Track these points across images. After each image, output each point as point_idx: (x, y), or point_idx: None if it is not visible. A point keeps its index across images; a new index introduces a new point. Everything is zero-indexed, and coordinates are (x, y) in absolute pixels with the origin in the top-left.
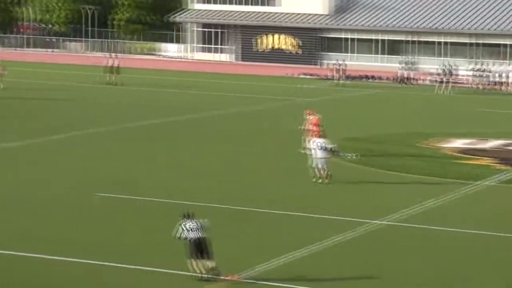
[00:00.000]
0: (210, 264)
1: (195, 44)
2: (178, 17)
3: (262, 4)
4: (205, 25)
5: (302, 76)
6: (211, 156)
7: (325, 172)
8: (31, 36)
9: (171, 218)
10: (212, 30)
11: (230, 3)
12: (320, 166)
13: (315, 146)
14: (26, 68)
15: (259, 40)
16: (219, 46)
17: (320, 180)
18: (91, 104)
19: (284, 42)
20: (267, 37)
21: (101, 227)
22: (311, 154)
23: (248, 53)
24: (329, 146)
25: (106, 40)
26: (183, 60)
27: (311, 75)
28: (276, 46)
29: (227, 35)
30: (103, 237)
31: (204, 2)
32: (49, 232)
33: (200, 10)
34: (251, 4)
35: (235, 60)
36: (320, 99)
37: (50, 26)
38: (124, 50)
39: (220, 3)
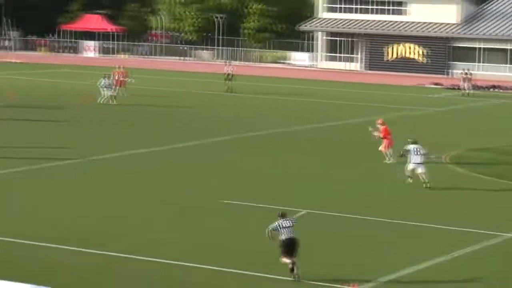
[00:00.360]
0: (289, 261)
1: (323, 53)
2: (306, 26)
3: (391, 13)
4: (333, 34)
5: (430, 85)
6: (333, 165)
7: (426, 176)
8: (162, 44)
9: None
10: (340, 39)
11: (359, 12)
12: (420, 171)
13: (412, 152)
14: (156, 76)
15: (387, 49)
16: (347, 55)
17: (425, 185)
18: (216, 112)
19: (412, 51)
20: (395, 46)
21: (232, 234)
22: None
23: (376, 62)
24: (424, 151)
25: (235, 48)
26: (311, 68)
27: (439, 84)
28: (403, 55)
29: (355, 44)
30: (231, 243)
31: (333, 11)
32: (185, 238)
33: (329, 19)
34: (380, 13)
35: (363, 69)
36: (448, 109)
37: (181, 34)
38: (252, 59)
39: (348, 12)
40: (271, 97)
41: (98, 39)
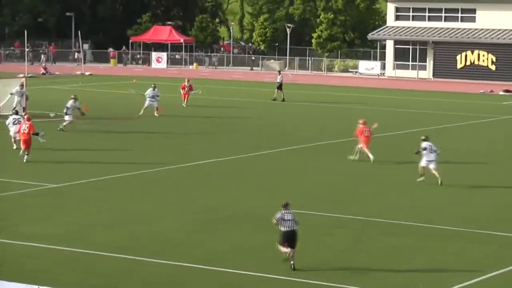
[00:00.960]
0: (289, 252)
1: (392, 61)
2: (376, 35)
3: (460, 20)
4: (403, 42)
5: (501, 93)
6: (406, 175)
7: (438, 172)
8: (231, 55)
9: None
10: (410, 47)
11: (429, 20)
12: (433, 167)
13: (428, 149)
14: (226, 86)
15: (455, 57)
16: (417, 63)
17: (439, 181)
18: (284, 121)
19: (482, 58)
20: (465, 53)
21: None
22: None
23: (446, 70)
24: (436, 148)
25: (304, 58)
26: (380, 77)
27: (510, 91)
28: (473, 63)
29: (425, 52)
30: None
31: (403, 19)
32: (264, 248)
33: (398, 27)
34: (449, 21)
35: (432, 77)
36: None
37: (250, 44)
38: (322, 68)
39: (418, 20)
40: (340, 106)
41: (168, 51)
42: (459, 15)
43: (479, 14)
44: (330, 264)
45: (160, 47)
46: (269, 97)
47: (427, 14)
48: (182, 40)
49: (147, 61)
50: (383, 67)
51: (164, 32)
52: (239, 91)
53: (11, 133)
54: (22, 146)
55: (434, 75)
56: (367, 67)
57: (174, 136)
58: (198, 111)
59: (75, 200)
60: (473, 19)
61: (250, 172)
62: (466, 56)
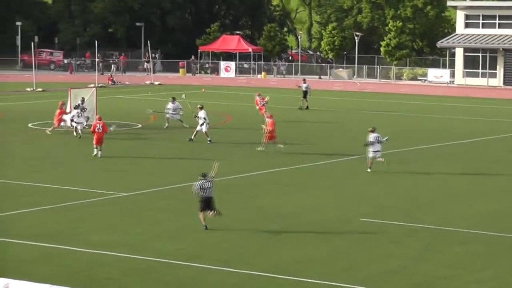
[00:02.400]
0: (210, 213)
1: (462, 69)
2: (446, 42)
3: None
4: (473, 50)
5: None
6: (467, 182)
7: (381, 157)
8: (299, 63)
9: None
10: (480, 54)
11: (498, 27)
12: (378, 156)
13: (375, 141)
14: (294, 95)
15: None
16: (486, 71)
17: (386, 164)
18: (351, 130)
19: None
20: None
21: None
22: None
23: None
24: (382, 139)
25: (372, 66)
26: (449, 85)
27: None
28: None
29: (495, 59)
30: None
31: (472, 27)
32: (329, 258)
33: (468, 34)
34: None
35: (503, 84)
36: None
37: (318, 53)
38: (390, 76)
39: (488, 28)
40: (409, 115)
41: (237, 60)
42: None
43: None
44: (398, 274)
45: (228, 56)
46: (337, 106)
47: (497, 21)
48: (250, 50)
49: (215, 70)
50: (453, 75)
51: (233, 42)
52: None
53: (77, 125)
54: (96, 144)
55: (504, 83)
56: (436, 75)
57: (241, 145)
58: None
59: (143, 209)
60: None
61: (316, 181)
62: None
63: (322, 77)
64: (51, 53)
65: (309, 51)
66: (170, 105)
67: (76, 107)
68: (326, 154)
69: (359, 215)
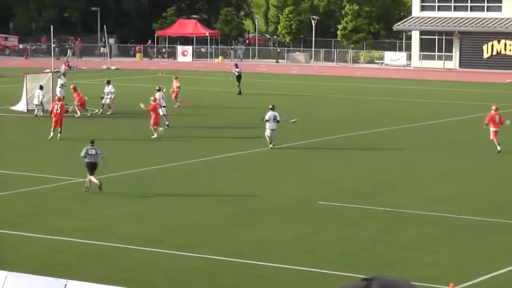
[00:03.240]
0: (94, 179)
1: (418, 52)
2: (402, 25)
3: (486, 10)
4: (429, 33)
5: None
6: (428, 164)
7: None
8: (257, 47)
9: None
10: (436, 37)
11: (454, 10)
12: (273, 134)
13: (271, 119)
14: (252, 79)
15: (482, 47)
16: (443, 54)
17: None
18: (312, 114)
19: (507, 47)
20: (491, 43)
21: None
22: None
23: (472, 60)
24: (279, 118)
25: (330, 49)
26: (406, 68)
27: None
28: (499, 52)
29: (451, 42)
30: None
31: (428, 10)
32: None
33: (424, 17)
34: (475, 11)
35: (459, 67)
36: None
37: (275, 37)
38: (347, 59)
39: (444, 10)
40: (366, 98)
41: (194, 44)
42: (485, 4)
43: (505, 3)
44: (358, 256)
45: (185, 40)
46: (295, 89)
47: (452, 4)
48: (207, 34)
49: (172, 54)
50: (409, 58)
51: (189, 26)
52: (265, 83)
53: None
54: (54, 125)
55: (460, 65)
56: (393, 58)
57: (197, 129)
58: (219, 103)
59: (103, 194)
60: (499, 9)
61: (274, 165)
62: (492, 45)
63: (279, 61)
64: (6, 38)
65: (266, 35)
66: (105, 89)
67: (40, 88)
68: (284, 138)
69: (317, 198)
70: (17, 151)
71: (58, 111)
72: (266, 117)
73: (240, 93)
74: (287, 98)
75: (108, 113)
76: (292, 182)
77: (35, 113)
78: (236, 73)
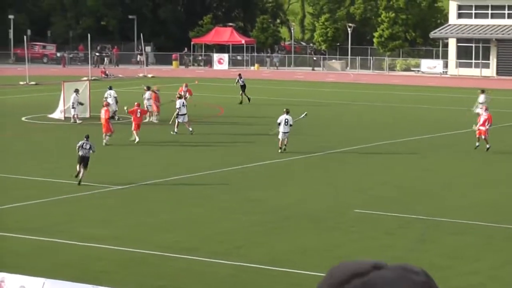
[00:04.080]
0: (82, 171)
1: (455, 60)
2: (438, 33)
3: None
4: (466, 40)
5: None
6: (463, 173)
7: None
8: (292, 55)
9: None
10: (473, 45)
11: (492, 17)
12: (286, 139)
13: (283, 123)
14: (287, 87)
15: None
16: (480, 61)
17: (284, 148)
18: (347, 122)
19: None
20: None
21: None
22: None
23: (509, 67)
24: (291, 122)
25: (366, 57)
26: (443, 76)
27: None
28: None
29: (489, 49)
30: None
31: (465, 17)
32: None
33: (461, 25)
34: (511, 18)
35: (496, 74)
36: None
37: (311, 45)
38: (384, 67)
39: (481, 18)
40: (402, 106)
41: (230, 52)
42: None
43: None
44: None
45: (221, 48)
46: (330, 97)
47: (490, 11)
48: (243, 41)
49: (208, 62)
50: (446, 65)
51: (226, 34)
52: (300, 91)
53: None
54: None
55: (497, 73)
56: (430, 65)
57: (230, 136)
58: (258, 112)
59: (138, 202)
60: None
61: (308, 173)
62: None
63: (315, 68)
64: (44, 47)
65: (302, 43)
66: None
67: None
68: (319, 146)
69: (353, 206)
70: (54, 159)
71: (139, 115)
72: (278, 120)
73: (241, 102)
74: (323, 106)
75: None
76: (327, 190)
77: (74, 113)
78: (241, 83)
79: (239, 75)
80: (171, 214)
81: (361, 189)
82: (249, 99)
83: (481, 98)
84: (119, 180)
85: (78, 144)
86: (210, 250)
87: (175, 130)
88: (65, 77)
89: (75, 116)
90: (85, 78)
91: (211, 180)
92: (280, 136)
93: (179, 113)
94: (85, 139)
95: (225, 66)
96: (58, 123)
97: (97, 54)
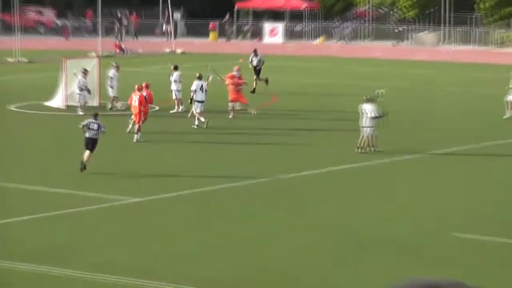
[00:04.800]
0: (87, 153)
1: None
2: None
3: None
4: None
5: None
6: None
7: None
8: (369, 25)
9: None
10: None
11: None
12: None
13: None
14: (363, 67)
15: None
16: None
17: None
18: (443, 115)
19: None
20: None
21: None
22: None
23: None
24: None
25: (468, 28)
26: None
27: None
28: None
29: None
30: None
31: None
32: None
33: None
34: None
35: None
36: None
37: (394, 11)
38: (492, 41)
39: None
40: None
41: (285, 20)
42: None
43: None
44: None
45: (275, 15)
46: (419, 81)
47: None
48: (303, 7)
49: (257, 34)
50: None
51: None
52: (379, 73)
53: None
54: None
55: None
56: None
57: (291, 134)
58: (323, 101)
59: (158, 220)
60: None
61: (389, 183)
62: None
63: (399, 43)
64: (40, 12)
65: (382, 9)
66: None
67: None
68: (406, 147)
69: (450, 229)
70: (51, 161)
71: (136, 103)
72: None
73: (254, 91)
74: (409, 93)
75: (179, 110)
76: (414, 206)
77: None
78: (255, 63)
79: (254, 50)
80: (205, 236)
81: (459, 206)
82: (267, 82)
83: None
84: (136, 189)
85: (83, 123)
86: (253, 286)
87: (196, 123)
88: (67, 52)
89: (82, 104)
90: (93, 54)
91: (257, 191)
92: (364, 132)
93: (195, 99)
94: (92, 117)
95: (279, 38)
96: (58, 114)
97: (116, 21)
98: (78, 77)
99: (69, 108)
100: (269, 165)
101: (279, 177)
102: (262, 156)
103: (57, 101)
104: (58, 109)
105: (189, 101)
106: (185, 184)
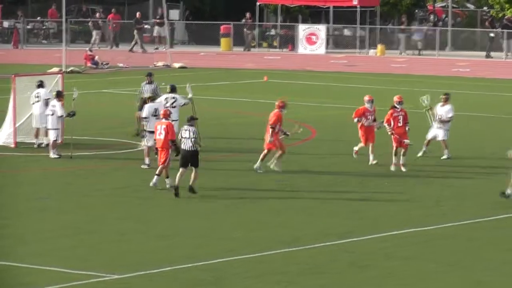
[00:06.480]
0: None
1: None
2: None
3: None
4: None
5: None
6: None
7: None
8: (448, 29)
9: None
10: None
11: None
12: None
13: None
14: (449, 82)
15: None
16: None
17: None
18: None
19: None
20: None
21: None
22: None
23: None
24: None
25: None
26: None
27: None
28: None
29: None
30: None
31: None
32: None
33: None
34: None
35: None
36: None
37: (485, 9)
38: None
39: None
40: None
41: (330, 22)
42: None
43: None
44: None
45: (313, 14)
46: None
47: None
48: (355, 2)
49: (289, 41)
50: None
51: None
52: (463, 95)
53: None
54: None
55: None
56: None
57: (344, 177)
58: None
59: None
60: None
61: None
62: None
63: (491, 53)
64: None
65: (468, 6)
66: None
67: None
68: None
69: None
70: (21, 226)
71: (162, 137)
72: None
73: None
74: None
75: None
76: None
77: (44, 142)
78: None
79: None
80: None
81: None
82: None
83: None
84: (119, 263)
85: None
86: None
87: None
88: (17, 67)
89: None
90: (56, 69)
91: (306, 262)
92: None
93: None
94: (187, 122)
95: (320, 47)
96: (5, 153)
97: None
98: (39, 95)
99: (19, 145)
100: (319, 226)
101: (332, 243)
102: (309, 214)
103: (3, 135)
104: (3, 147)
105: None
106: (193, 253)
